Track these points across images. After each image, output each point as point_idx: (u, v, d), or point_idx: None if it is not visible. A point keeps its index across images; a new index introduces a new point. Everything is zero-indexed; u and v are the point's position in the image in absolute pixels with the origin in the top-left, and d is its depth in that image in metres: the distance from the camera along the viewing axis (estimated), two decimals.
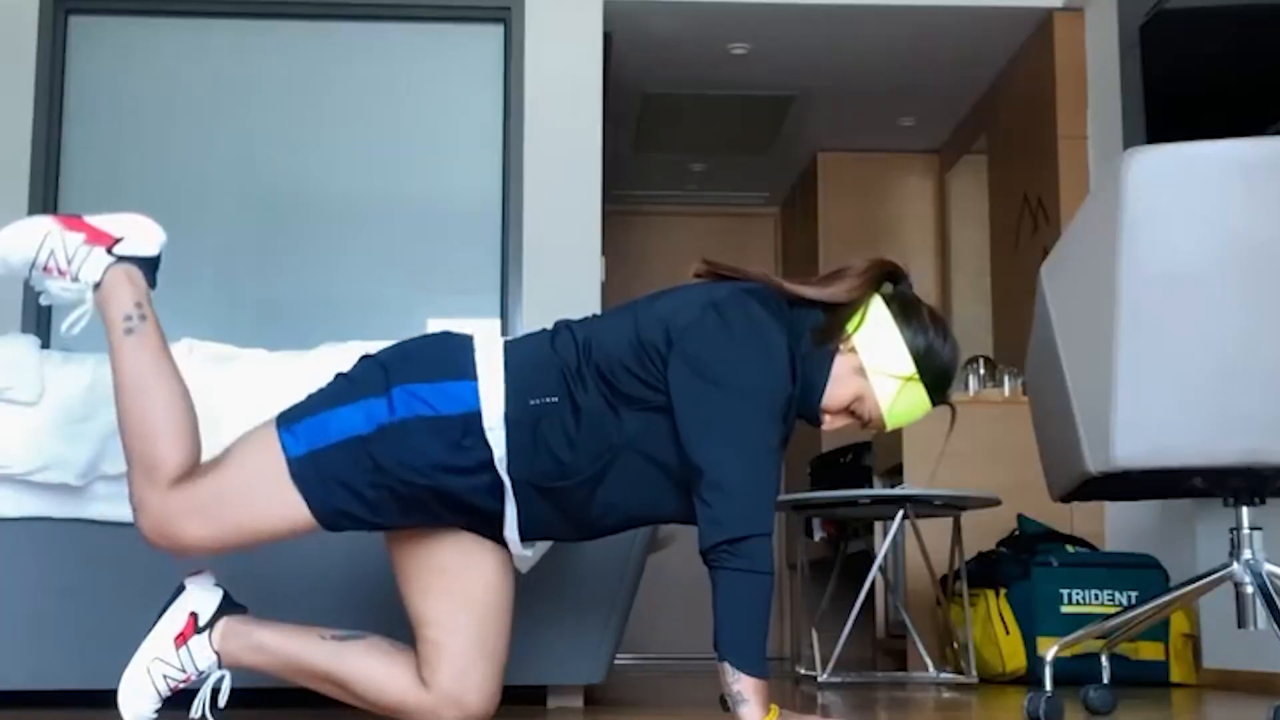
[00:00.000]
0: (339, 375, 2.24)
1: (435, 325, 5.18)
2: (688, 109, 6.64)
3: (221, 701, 2.32)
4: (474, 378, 2.14)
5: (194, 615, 2.30)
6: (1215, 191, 2.45)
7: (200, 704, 2.33)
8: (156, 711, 2.30)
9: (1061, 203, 5.29)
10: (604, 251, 5.20)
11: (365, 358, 2.24)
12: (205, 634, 2.29)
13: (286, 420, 2.19)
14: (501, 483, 2.14)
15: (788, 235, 7.99)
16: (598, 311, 5.38)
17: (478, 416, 2.12)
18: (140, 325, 2.22)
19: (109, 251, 2.25)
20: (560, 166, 5.19)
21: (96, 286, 2.24)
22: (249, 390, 2.87)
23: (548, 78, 5.25)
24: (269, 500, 2.16)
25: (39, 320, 5.01)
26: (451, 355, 2.17)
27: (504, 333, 5.04)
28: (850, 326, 2.17)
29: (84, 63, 5.24)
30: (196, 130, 5.23)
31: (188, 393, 2.25)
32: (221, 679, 2.32)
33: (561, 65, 5.26)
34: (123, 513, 2.83)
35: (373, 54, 5.32)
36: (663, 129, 6.92)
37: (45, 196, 5.07)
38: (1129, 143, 4.84)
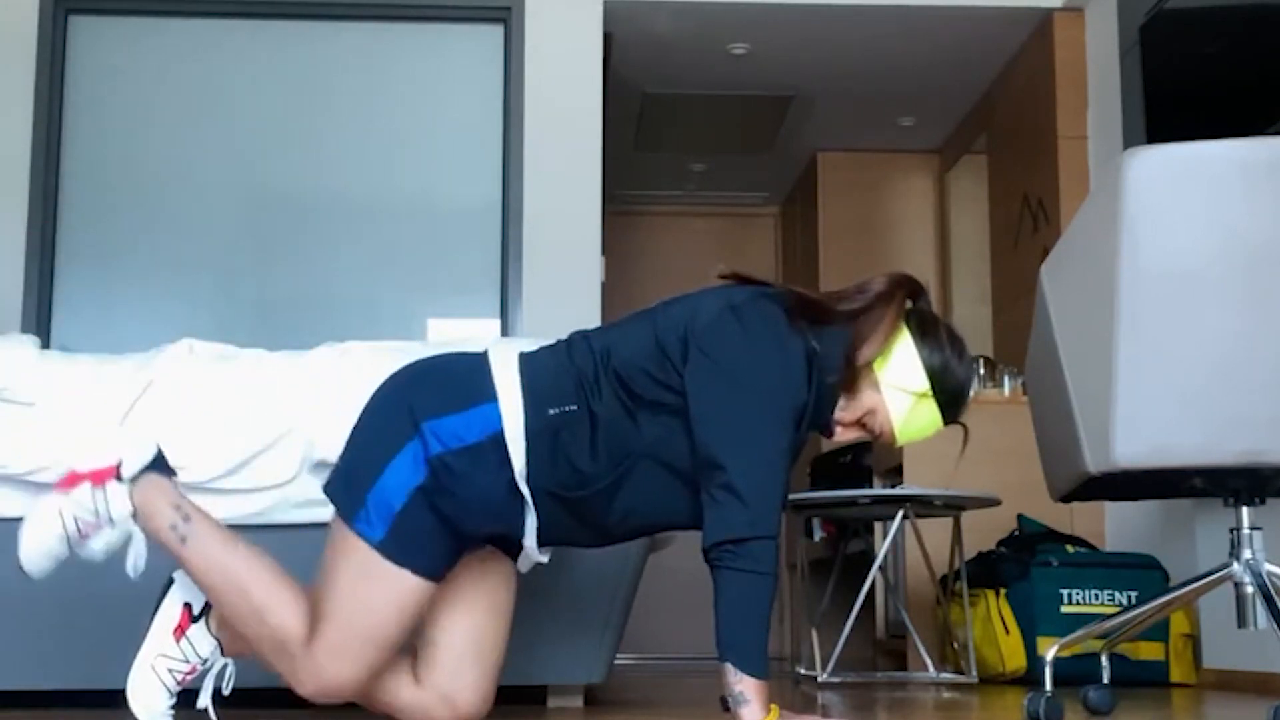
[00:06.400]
0: (366, 415, 2.20)
1: (435, 325, 5.17)
2: (688, 109, 6.64)
3: (226, 689, 2.33)
4: (494, 398, 2.13)
5: (188, 605, 2.31)
6: (1214, 191, 2.45)
7: (205, 694, 2.34)
8: (172, 708, 2.30)
9: (1061, 203, 5.29)
10: (604, 251, 5.19)
11: (384, 392, 2.21)
12: (202, 621, 2.31)
13: (348, 505, 2.14)
14: (523, 495, 2.15)
15: (788, 235, 7.98)
16: (598, 312, 5.33)
17: (501, 434, 2.12)
18: (187, 526, 2.23)
19: (120, 479, 2.26)
20: (560, 166, 5.19)
21: (134, 515, 2.25)
22: (249, 390, 2.87)
23: (548, 78, 5.25)
24: (385, 595, 2.13)
25: (39, 320, 5.01)
26: (468, 379, 2.16)
27: (504, 332, 5.04)
28: (877, 364, 2.15)
29: (84, 63, 5.24)
30: (196, 130, 5.23)
31: (267, 556, 2.25)
32: (225, 668, 2.33)
33: (561, 65, 5.26)
34: None
35: (373, 54, 5.32)
36: (663, 129, 6.91)
37: (45, 196, 5.07)
38: (1129, 143, 4.84)
